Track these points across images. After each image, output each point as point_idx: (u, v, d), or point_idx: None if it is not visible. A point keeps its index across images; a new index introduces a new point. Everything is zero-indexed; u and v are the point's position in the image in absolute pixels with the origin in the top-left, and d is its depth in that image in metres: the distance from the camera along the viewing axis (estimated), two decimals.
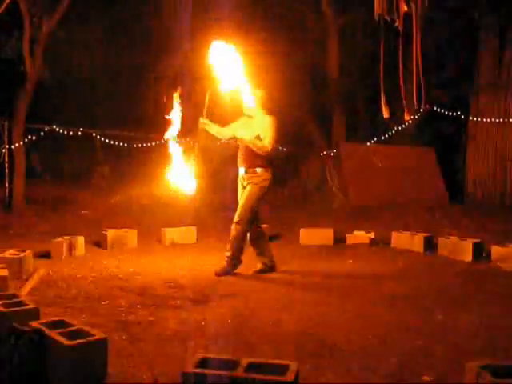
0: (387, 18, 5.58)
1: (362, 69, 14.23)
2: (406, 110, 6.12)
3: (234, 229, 5.87)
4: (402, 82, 5.89)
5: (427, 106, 12.80)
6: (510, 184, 13.77)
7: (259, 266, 6.03)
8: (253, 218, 5.92)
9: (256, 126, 5.90)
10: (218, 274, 5.81)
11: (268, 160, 5.92)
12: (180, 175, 5.83)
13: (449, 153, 14.95)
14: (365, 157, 13.78)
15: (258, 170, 5.87)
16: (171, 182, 5.82)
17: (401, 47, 5.79)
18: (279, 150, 6.06)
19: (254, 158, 5.88)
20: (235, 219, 5.87)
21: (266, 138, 5.83)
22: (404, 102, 5.97)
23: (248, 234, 6.02)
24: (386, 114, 6.12)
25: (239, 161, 6.01)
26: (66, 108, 14.53)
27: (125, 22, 14.91)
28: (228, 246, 5.92)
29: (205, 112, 5.97)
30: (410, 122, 13.31)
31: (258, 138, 5.84)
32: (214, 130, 6.07)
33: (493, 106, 14.19)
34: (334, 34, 14.09)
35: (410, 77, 5.77)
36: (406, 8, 5.50)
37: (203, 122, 5.96)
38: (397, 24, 5.60)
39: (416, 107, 6.21)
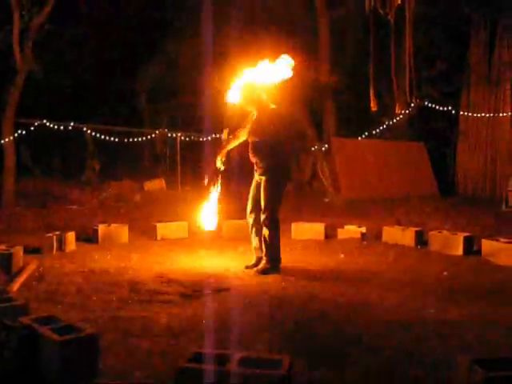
0: (380, 11, 5.57)
1: (354, 63, 14.25)
2: (397, 104, 6.13)
3: (264, 229, 5.82)
4: (394, 76, 5.90)
5: (418, 100, 12.84)
6: (499, 178, 13.84)
7: (253, 261, 6.01)
8: (277, 212, 5.84)
9: (258, 120, 5.87)
10: (261, 272, 5.76)
11: (276, 152, 5.80)
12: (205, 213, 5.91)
13: (440, 147, 15.02)
14: (356, 151, 13.81)
15: (264, 163, 5.81)
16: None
17: (393, 41, 5.79)
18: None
19: (260, 153, 5.83)
20: (261, 219, 5.82)
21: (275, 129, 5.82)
22: (395, 95, 5.99)
23: (250, 226, 6.01)
24: (374, 106, 6.14)
25: (250, 155, 5.97)
26: (56, 102, 14.44)
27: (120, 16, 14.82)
28: (254, 244, 5.95)
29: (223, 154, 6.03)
30: (402, 116, 13.37)
31: (260, 130, 5.82)
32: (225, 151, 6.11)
33: (483, 101, 14.25)
34: (325, 28, 14.06)
35: (402, 70, 5.78)
36: (399, 1, 5.49)
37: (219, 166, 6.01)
38: (389, 17, 5.60)
39: (408, 101, 6.23)
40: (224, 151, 6.09)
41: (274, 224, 5.82)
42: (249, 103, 5.96)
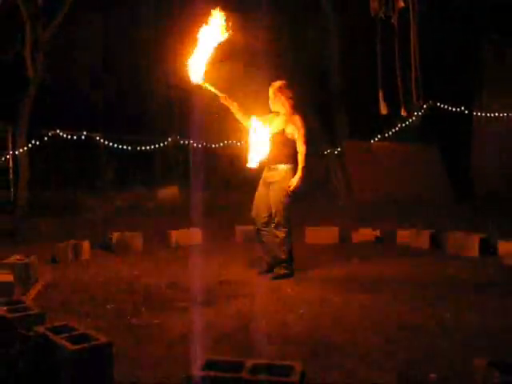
0: (383, 14, 5.56)
1: (364, 65, 14.19)
2: (402, 107, 6.11)
3: (276, 234, 5.80)
4: (399, 79, 5.87)
5: (430, 101, 12.77)
6: None
7: (264, 266, 6.01)
8: (289, 216, 5.81)
9: (282, 122, 5.85)
10: (276, 278, 5.74)
11: (293, 156, 5.81)
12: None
13: (454, 148, 14.89)
14: (369, 154, 13.77)
15: (281, 166, 5.79)
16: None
17: (397, 43, 5.77)
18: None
19: (277, 154, 5.77)
20: (272, 224, 5.79)
21: (299, 138, 5.79)
22: (401, 98, 5.95)
23: (257, 229, 5.96)
24: (383, 110, 6.11)
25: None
26: (68, 112, 14.54)
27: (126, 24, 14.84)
28: (277, 253, 5.83)
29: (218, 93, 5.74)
30: (414, 118, 13.30)
31: (281, 132, 5.78)
32: (234, 107, 5.87)
33: (497, 100, 14.14)
34: (334, 31, 14.04)
35: (410, 73, 5.76)
36: (402, 3, 5.48)
37: (222, 96, 5.77)
38: (393, 20, 5.58)
39: (416, 103, 6.19)
40: (232, 103, 5.85)
41: (286, 228, 5.80)
42: (278, 106, 5.92)
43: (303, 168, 5.76)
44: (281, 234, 5.78)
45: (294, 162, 5.83)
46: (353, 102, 14.59)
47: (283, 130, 5.81)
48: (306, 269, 6.11)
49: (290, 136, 5.81)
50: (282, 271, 5.79)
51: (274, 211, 5.79)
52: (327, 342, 3.74)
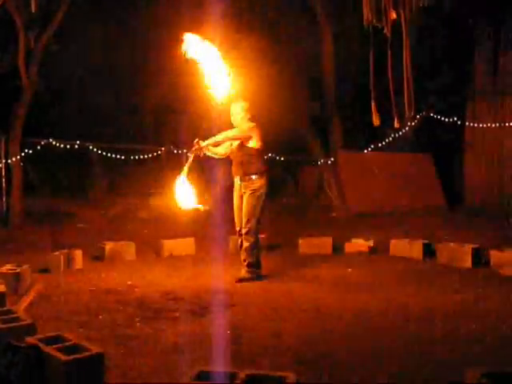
0: (377, 24, 5.62)
1: (358, 76, 14.25)
2: (395, 118, 6.15)
3: (244, 240, 6.05)
4: (391, 90, 5.92)
5: (423, 112, 12.84)
6: (508, 189, 13.75)
7: (243, 273, 6.09)
8: (258, 226, 6.08)
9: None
10: (240, 281, 5.95)
11: (263, 165, 6.07)
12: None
13: (447, 159, 14.95)
14: (362, 164, 13.79)
15: (254, 177, 6.02)
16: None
17: (389, 54, 5.83)
18: (269, 156, 6.17)
19: (248, 165, 6.02)
20: (243, 231, 6.04)
21: (233, 129, 6.05)
22: (394, 109, 6.00)
23: (239, 241, 6.18)
24: (376, 121, 6.15)
25: (233, 169, 6.18)
26: (62, 121, 14.50)
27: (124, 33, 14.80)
28: (243, 257, 6.09)
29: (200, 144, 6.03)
30: (407, 128, 13.36)
31: (241, 145, 6.04)
32: (211, 151, 6.19)
33: (489, 111, 14.21)
34: (328, 41, 14.09)
35: (402, 84, 5.80)
36: (394, 15, 5.53)
37: (197, 147, 6.04)
38: (385, 31, 5.64)
39: (408, 114, 6.23)
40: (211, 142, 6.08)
41: (255, 235, 6.04)
42: (238, 120, 6.14)
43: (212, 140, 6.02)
44: (251, 239, 6.00)
45: (263, 171, 6.07)
46: (347, 113, 14.64)
47: (242, 143, 6.03)
48: (298, 278, 6.10)
49: (249, 145, 6.02)
50: (247, 275, 6.01)
51: (245, 219, 6.01)
52: (320, 353, 3.72)
